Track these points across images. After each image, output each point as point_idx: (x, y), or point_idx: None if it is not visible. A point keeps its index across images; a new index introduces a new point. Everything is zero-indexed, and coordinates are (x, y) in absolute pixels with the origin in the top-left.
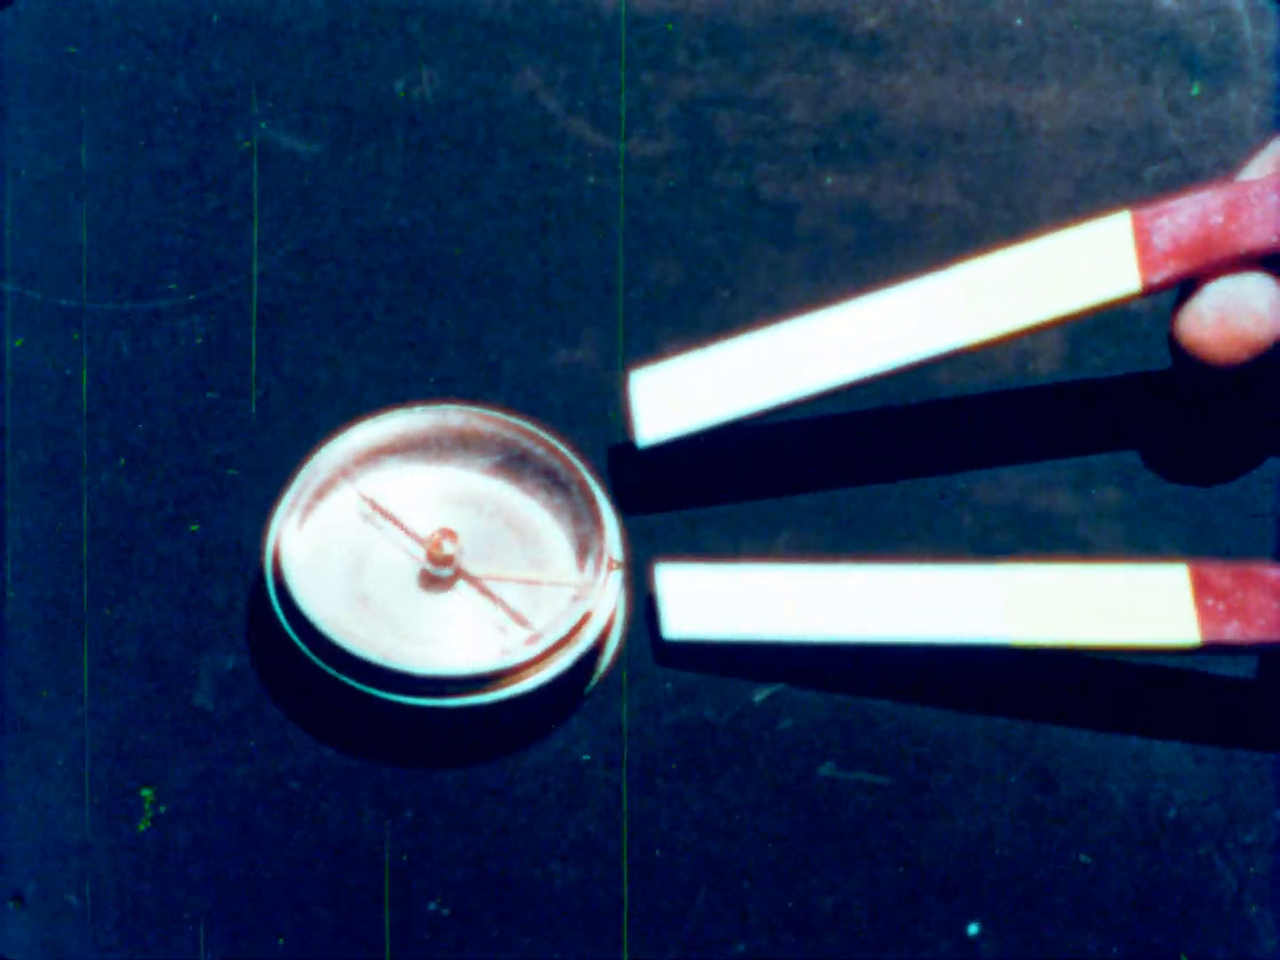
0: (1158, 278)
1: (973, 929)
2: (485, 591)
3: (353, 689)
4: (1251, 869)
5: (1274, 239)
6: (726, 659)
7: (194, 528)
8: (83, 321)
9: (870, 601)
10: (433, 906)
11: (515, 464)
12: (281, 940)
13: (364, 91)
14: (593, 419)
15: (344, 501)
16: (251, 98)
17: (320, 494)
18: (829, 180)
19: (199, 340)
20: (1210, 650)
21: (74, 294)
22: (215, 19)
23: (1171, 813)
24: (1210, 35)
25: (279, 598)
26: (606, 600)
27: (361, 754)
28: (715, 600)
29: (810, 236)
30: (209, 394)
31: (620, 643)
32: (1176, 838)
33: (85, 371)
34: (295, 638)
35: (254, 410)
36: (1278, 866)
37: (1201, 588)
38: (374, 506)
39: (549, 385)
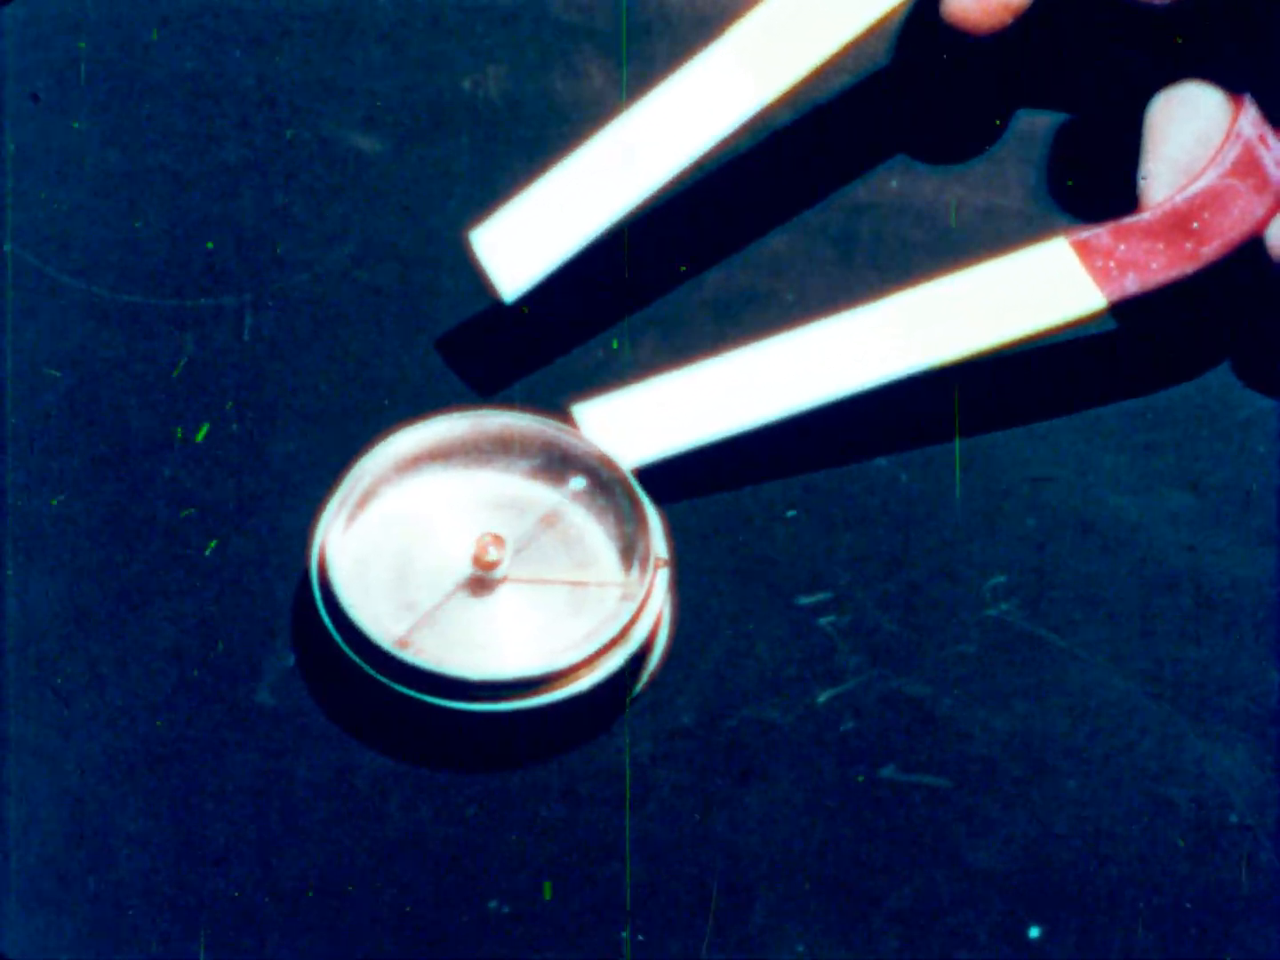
0: None
1: (1034, 932)
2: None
3: (405, 695)
4: None
5: None
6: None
7: (265, 531)
8: (147, 318)
9: (786, 372)
10: (493, 905)
11: (556, 465)
12: (340, 937)
13: (430, 90)
14: None
15: (387, 509)
16: (317, 95)
17: (362, 503)
18: (894, 184)
19: (263, 337)
20: (1118, 307)
21: (139, 290)
22: (282, 16)
23: (1232, 817)
24: None
25: (326, 606)
26: (654, 599)
27: (416, 756)
28: (646, 422)
29: (874, 239)
30: (271, 391)
31: (668, 642)
32: (1237, 842)
33: (148, 368)
34: (345, 647)
35: (318, 407)
36: None
37: (1086, 253)
38: None
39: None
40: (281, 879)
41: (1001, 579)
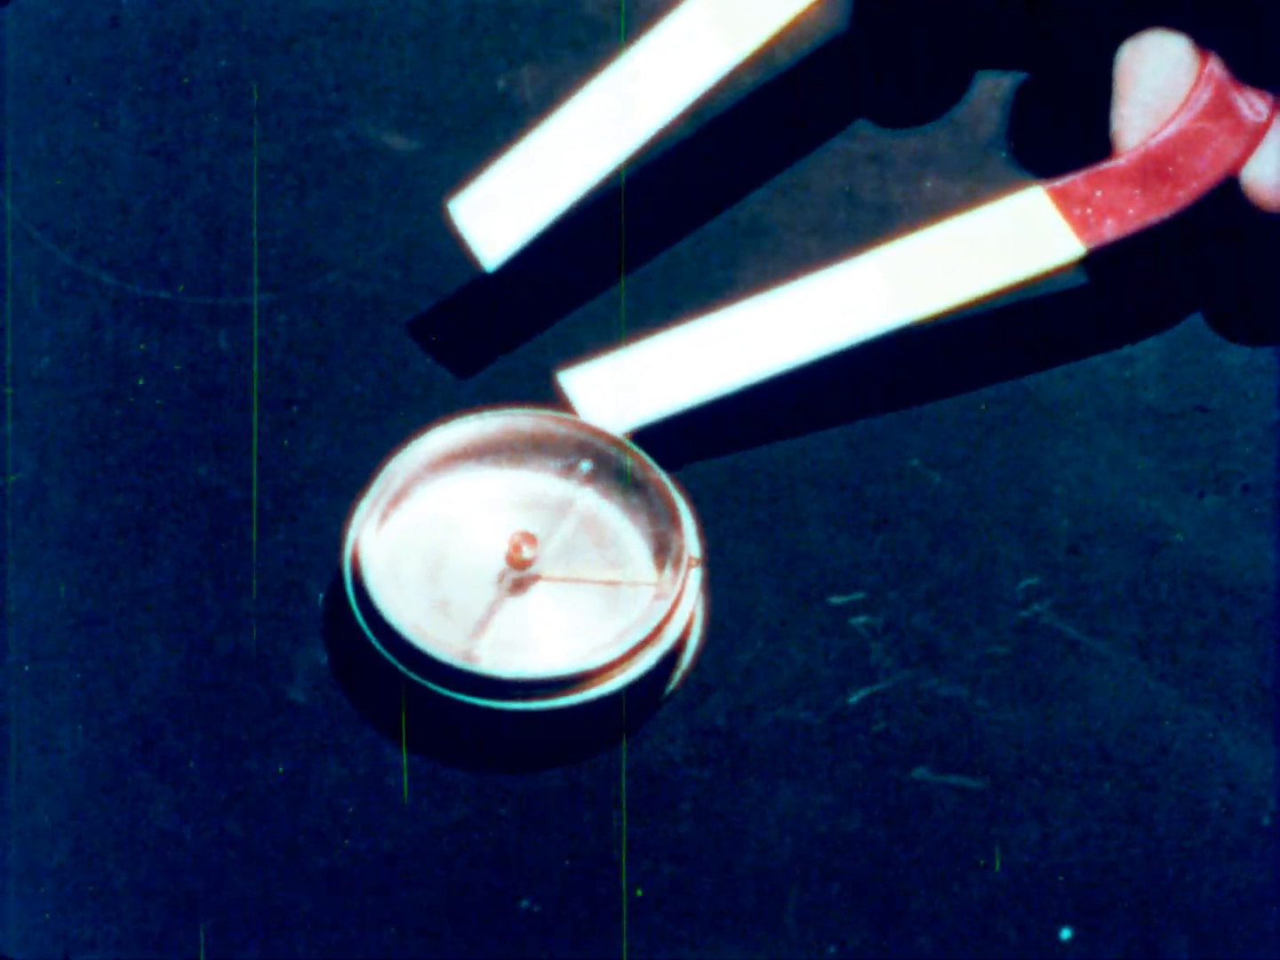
0: None
1: (1065, 934)
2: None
3: (437, 693)
4: None
5: None
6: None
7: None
8: (180, 316)
9: (769, 330)
10: (525, 904)
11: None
12: (371, 935)
13: (464, 89)
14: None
15: (420, 507)
16: (351, 94)
17: (395, 501)
18: (928, 184)
19: (296, 335)
20: (1096, 254)
21: (172, 288)
22: (316, 15)
23: (1265, 820)
24: None
25: (360, 604)
26: (687, 599)
27: (448, 755)
28: (634, 386)
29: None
30: (304, 389)
31: (701, 641)
32: (1270, 844)
33: (182, 366)
34: (378, 645)
35: (351, 406)
36: None
37: (1063, 201)
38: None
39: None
40: (311, 876)
41: (1034, 580)
